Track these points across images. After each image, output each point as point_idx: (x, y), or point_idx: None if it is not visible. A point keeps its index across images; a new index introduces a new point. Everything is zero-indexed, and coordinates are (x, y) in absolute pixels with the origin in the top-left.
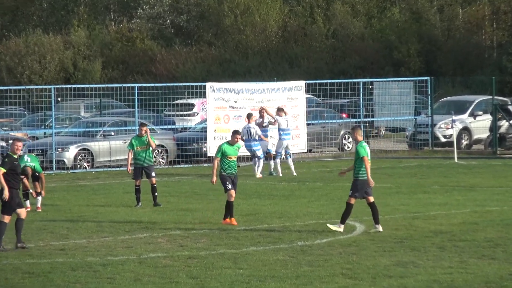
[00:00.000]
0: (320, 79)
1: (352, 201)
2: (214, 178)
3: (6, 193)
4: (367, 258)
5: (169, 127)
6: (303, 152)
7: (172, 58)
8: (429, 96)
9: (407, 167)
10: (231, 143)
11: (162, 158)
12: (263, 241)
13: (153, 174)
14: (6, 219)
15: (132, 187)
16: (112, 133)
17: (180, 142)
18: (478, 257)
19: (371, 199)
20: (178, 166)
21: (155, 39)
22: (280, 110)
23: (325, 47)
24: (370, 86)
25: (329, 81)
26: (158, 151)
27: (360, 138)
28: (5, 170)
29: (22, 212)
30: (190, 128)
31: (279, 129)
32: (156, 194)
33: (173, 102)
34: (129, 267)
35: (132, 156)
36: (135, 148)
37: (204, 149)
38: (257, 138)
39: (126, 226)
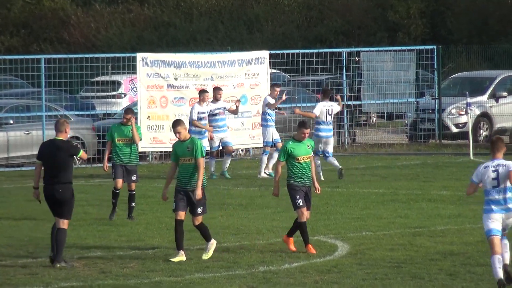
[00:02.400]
0: (290, 49)
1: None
2: (276, 191)
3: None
4: None
5: (87, 112)
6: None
7: (92, 21)
8: (435, 71)
9: (407, 166)
10: (297, 138)
11: None
12: (212, 266)
13: (134, 177)
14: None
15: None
16: (11, 121)
17: (102, 133)
18: None
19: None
20: (99, 164)
21: None
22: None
23: (297, 5)
24: (357, 58)
25: (302, 51)
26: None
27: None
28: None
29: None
30: (115, 114)
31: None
32: (134, 204)
33: (93, 80)
34: None
35: (112, 150)
36: (116, 140)
37: None
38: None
39: (30, 245)
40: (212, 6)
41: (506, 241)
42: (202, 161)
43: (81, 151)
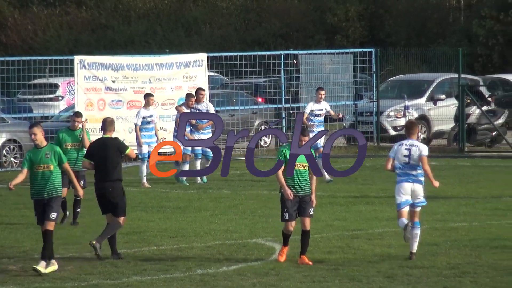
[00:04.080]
0: (228, 51)
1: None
2: (288, 190)
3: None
4: None
5: (24, 115)
6: None
7: (29, 23)
8: (373, 74)
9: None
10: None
11: (15, 157)
12: (150, 269)
13: (82, 182)
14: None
15: None
16: None
17: None
18: None
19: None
20: None
21: None
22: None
23: (235, 8)
24: (295, 61)
25: (240, 53)
26: (9, 147)
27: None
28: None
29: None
30: (52, 117)
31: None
32: (79, 210)
33: (30, 82)
34: None
35: None
36: (63, 146)
37: None
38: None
39: None
40: (150, 8)
41: (417, 231)
42: (68, 165)
43: (129, 148)
